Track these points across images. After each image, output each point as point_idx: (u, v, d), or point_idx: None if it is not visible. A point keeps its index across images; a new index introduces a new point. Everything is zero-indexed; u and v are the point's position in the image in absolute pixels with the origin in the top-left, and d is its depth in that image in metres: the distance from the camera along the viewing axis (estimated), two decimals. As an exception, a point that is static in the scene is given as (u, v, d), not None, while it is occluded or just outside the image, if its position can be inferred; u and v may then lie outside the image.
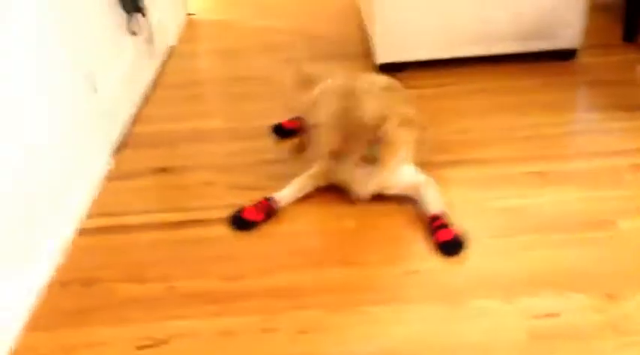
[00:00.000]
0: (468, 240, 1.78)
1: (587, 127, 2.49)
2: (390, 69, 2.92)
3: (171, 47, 3.63)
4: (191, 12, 4.28)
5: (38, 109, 1.89)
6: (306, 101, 2.25)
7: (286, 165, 2.24)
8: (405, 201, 2.01)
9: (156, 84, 3.15)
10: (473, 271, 1.73)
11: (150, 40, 2.91)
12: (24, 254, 1.73)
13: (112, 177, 2.32)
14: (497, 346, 1.48)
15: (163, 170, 2.36)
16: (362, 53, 3.31)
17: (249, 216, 1.96)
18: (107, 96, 2.45)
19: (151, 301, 1.70)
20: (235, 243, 1.92)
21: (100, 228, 2.03)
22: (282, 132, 2.50)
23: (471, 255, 1.78)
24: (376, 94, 2.00)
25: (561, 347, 1.46)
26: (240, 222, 1.96)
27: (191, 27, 4.09)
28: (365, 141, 1.89)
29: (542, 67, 2.94)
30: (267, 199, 2.01)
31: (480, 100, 2.71)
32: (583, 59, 3.01)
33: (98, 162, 2.30)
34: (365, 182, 1.99)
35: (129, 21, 2.76)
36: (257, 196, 2.03)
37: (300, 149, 2.31)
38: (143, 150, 2.52)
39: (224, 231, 1.96)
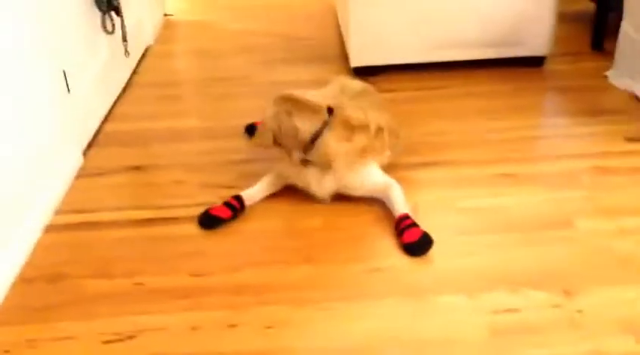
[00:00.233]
0: (433, 241, 1.81)
1: (554, 131, 2.55)
2: (365, 72, 2.97)
3: (147, 47, 3.64)
4: (168, 12, 4.29)
5: (10, 107, 1.89)
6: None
7: (258, 164, 2.26)
8: (372, 201, 2.04)
9: (131, 83, 3.15)
10: (437, 268, 1.76)
11: (125, 40, 2.91)
12: (-9, 249, 1.73)
13: (84, 174, 2.32)
14: (460, 340, 1.52)
15: (135, 168, 2.37)
16: (339, 56, 3.35)
17: (216, 212, 1.98)
18: (81, 95, 2.45)
19: (119, 296, 1.71)
20: (204, 240, 1.93)
21: (69, 225, 2.03)
22: (254, 131, 2.51)
23: (436, 253, 1.82)
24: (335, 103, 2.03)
25: (521, 341, 1.50)
26: (208, 219, 1.98)
27: (168, 27, 4.10)
28: (298, 146, 1.97)
29: (512, 72, 3.01)
30: (235, 197, 2.03)
31: (451, 104, 2.76)
32: (552, 66, 3.09)
33: (69, 159, 2.30)
34: (321, 183, 2.02)
35: (104, 20, 2.76)
36: (228, 195, 2.04)
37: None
38: (116, 148, 2.52)
39: (193, 228, 1.97)
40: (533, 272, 1.71)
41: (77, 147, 2.39)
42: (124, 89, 3.06)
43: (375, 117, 2.05)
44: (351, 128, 2.00)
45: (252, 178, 2.13)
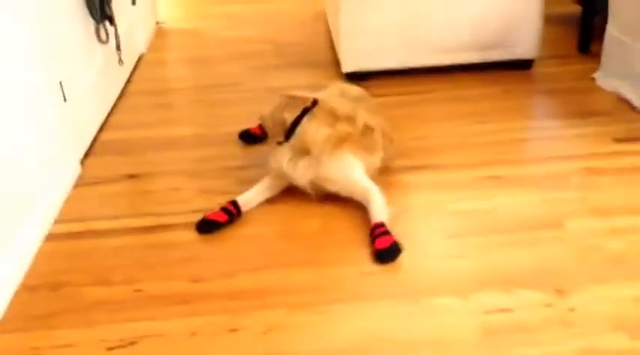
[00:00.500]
0: (402, 249, 1.83)
1: (543, 133, 2.59)
2: (356, 77, 3.01)
3: (140, 55, 3.66)
4: (160, 21, 4.31)
5: (7, 116, 1.92)
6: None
7: (253, 170, 2.29)
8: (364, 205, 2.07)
9: (126, 91, 3.18)
10: (429, 271, 1.80)
11: (119, 48, 2.94)
12: (-9, 258, 1.75)
13: (81, 183, 2.34)
14: (454, 341, 1.55)
15: (132, 176, 2.39)
16: (331, 61, 3.39)
17: (212, 217, 2.01)
18: (77, 104, 2.47)
19: (119, 303, 1.73)
20: (201, 246, 1.96)
21: (68, 234, 2.05)
22: (249, 137, 2.55)
23: (428, 255, 1.86)
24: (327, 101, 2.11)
25: (513, 340, 1.54)
26: (204, 224, 2.00)
27: (160, 35, 4.12)
28: (282, 132, 2.11)
29: (500, 76, 3.06)
30: (231, 202, 2.06)
31: (441, 108, 2.81)
32: (540, 69, 3.14)
33: (68, 169, 2.32)
34: (302, 172, 2.05)
35: (98, 29, 2.79)
36: (224, 201, 2.07)
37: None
38: (112, 156, 2.55)
39: (191, 235, 2.00)
40: (525, 272, 1.75)
41: (75, 156, 2.41)
42: (119, 98, 3.08)
43: (365, 116, 2.09)
44: (335, 117, 2.04)
45: (248, 184, 2.16)
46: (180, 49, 3.92)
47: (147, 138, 2.68)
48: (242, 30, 4.15)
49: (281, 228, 2.04)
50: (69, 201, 2.22)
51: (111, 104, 2.97)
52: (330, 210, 2.07)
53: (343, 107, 2.09)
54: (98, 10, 2.73)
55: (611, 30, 2.83)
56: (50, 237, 2.03)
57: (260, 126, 2.52)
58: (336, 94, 2.23)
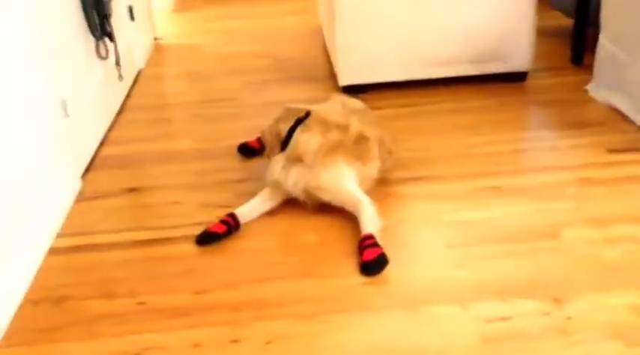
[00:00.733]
0: (388, 261, 1.84)
1: (538, 144, 2.63)
2: (353, 90, 3.04)
3: (139, 71, 3.70)
4: (158, 36, 4.36)
5: (9, 132, 1.94)
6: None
7: (253, 183, 2.31)
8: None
9: (125, 107, 3.21)
10: (429, 280, 1.82)
11: (118, 64, 2.98)
12: (-5, 273, 1.77)
13: (82, 198, 2.36)
14: (454, 349, 1.57)
15: (132, 190, 2.42)
16: (328, 75, 3.43)
17: (210, 229, 2.04)
18: (78, 119, 2.50)
19: (122, 316, 1.75)
20: (202, 259, 1.98)
21: (70, 248, 2.07)
22: (247, 150, 2.58)
23: (427, 265, 1.88)
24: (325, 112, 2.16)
25: (513, 348, 1.55)
26: (203, 236, 2.02)
27: (159, 51, 4.17)
28: (278, 144, 2.17)
29: (495, 88, 3.10)
30: (229, 214, 2.08)
31: (438, 120, 2.84)
32: (534, 81, 3.19)
33: (69, 183, 2.34)
34: (294, 180, 2.08)
35: (97, 45, 2.82)
36: (225, 214, 2.09)
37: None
38: (113, 171, 2.57)
39: (192, 248, 2.02)
40: (523, 281, 1.78)
41: (76, 171, 2.44)
42: (118, 113, 3.11)
43: (359, 125, 2.12)
44: (327, 126, 2.08)
45: (248, 197, 2.18)
46: (178, 65, 3.96)
47: (147, 153, 2.71)
48: (240, 45, 4.20)
49: (280, 240, 2.06)
50: (70, 216, 2.24)
51: (111, 119, 3.00)
52: (327, 222, 2.09)
53: (335, 116, 2.12)
54: (98, 27, 2.77)
55: (603, 42, 2.88)
56: (52, 251, 2.05)
57: (258, 140, 2.55)
58: (337, 107, 2.26)
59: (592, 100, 2.92)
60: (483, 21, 3.02)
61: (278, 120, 2.20)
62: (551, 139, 2.64)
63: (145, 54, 3.90)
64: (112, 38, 2.90)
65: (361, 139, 2.11)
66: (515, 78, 3.17)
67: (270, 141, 2.22)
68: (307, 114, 2.14)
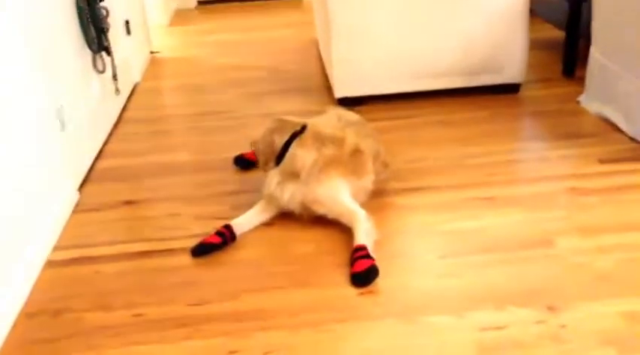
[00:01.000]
0: (378, 272, 1.85)
1: (530, 155, 2.66)
2: (349, 103, 3.08)
3: (135, 84, 3.73)
4: (155, 50, 4.39)
5: (7, 145, 1.96)
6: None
7: (250, 195, 2.33)
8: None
9: (122, 119, 3.23)
10: (424, 290, 1.84)
11: (115, 78, 3.00)
12: (-7, 286, 1.77)
13: (79, 210, 2.37)
14: (449, 358, 1.59)
15: (129, 202, 2.43)
16: (323, 87, 3.47)
17: (205, 240, 2.05)
18: (75, 133, 2.52)
19: (119, 328, 1.75)
20: (199, 270, 1.99)
21: (67, 260, 2.08)
22: (243, 162, 2.60)
23: (423, 275, 1.90)
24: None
25: (507, 357, 1.58)
26: (197, 248, 2.04)
27: (155, 64, 4.20)
28: (272, 157, 2.17)
29: (489, 100, 3.14)
30: (225, 226, 2.09)
31: (432, 131, 2.87)
32: (527, 92, 3.23)
33: (66, 196, 2.36)
34: (290, 195, 2.11)
35: (95, 59, 2.85)
36: (221, 226, 2.11)
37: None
38: (110, 183, 2.59)
39: (189, 259, 2.03)
40: (517, 290, 1.80)
41: (73, 183, 2.45)
42: (115, 125, 3.13)
43: (354, 139, 2.14)
44: (322, 141, 2.10)
45: (245, 209, 2.20)
46: (174, 78, 3.99)
47: (143, 165, 2.72)
48: (236, 58, 4.24)
49: (276, 251, 2.07)
50: (67, 228, 2.26)
51: (107, 132, 3.02)
52: (323, 233, 2.11)
53: (330, 131, 2.14)
54: (95, 41, 2.80)
55: (594, 54, 2.93)
56: (49, 264, 2.06)
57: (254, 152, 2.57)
58: (333, 119, 2.28)
59: (584, 111, 2.96)
60: (477, 34, 3.07)
61: (272, 131, 2.20)
62: (544, 150, 2.67)
63: (141, 67, 3.93)
64: (108, 52, 2.93)
65: (356, 153, 2.14)
66: (508, 90, 3.21)
67: (263, 151, 2.22)
68: (303, 127, 2.16)
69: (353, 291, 1.84)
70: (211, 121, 3.18)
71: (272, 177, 2.15)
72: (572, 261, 1.91)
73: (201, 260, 2.03)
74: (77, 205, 2.40)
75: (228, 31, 5.00)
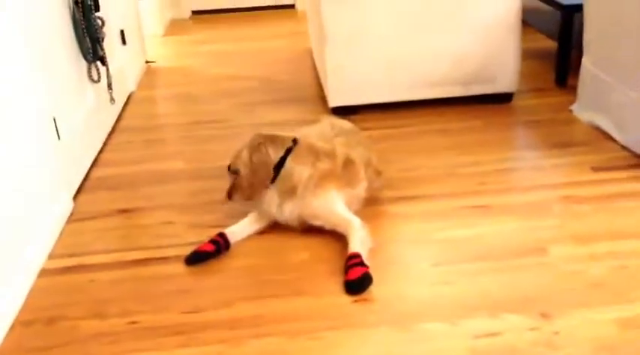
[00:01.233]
0: (372, 280, 1.86)
1: (523, 164, 2.69)
2: (343, 112, 3.09)
3: (130, 93, 3.73)
4: (149, 60, 4.40)
5: (4, 156, 1.96)
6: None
7: (245, 203, 2.34)
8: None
9: (116, 128, 3.23)
10: (418, 298, 1.84)
11: (110, 87, 3.01)
12: (-13, 294, 1.77)
13: (74, 219, 2.37)
14: (443, 365, 1.60)
15: (123, 211, 2.43)
16: (317, 96, 3.48)
17: (200, 248, 2.06)
18: (70, 142, 2.52)
19: (114, 336, 1.75)
20: (194, 278, 1.99)
21: (62, 269, 2.07)
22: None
23: (417, 283, 1.91)
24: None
25: (501, 364, 1.59)
26: (191, 256, 2.04)
27: (150, 74, 4.21)
28: (268, 175, 2.13)
29: (482, 109, 3.16)
30: (219, 234, 2.10)
31: (426, 140, 2.89)
32: (520, 102, 3.26)
33: (61, 205, 2.36)
34: (289, 214, 2.12)
35: (90, 69, 2.86)
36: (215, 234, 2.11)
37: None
38: (104, 192, 2.59)
39: (184, 267, 2.03)
40: (511, 297, 1.81)
41: (67, 192, 2.45)
42: (110, 134, 3.14)
43: (344, 150, 2.15)
44: (315, 155, 2.11)
45: (239, 218, 2.21)
46: (169, 87, 4.00)
47: (138, 174, 2.73)
48: (230, 67, 4.25)
49: (271, 259, 2.08)
50: (62, 237, 2.25)
51: (102, 141, 3.02)
52: (317, 241, 2.11)
53: (322, 144, 2.15)
54: (91, 51, 2.81)
55: (586, 64, 2.96)
56: (44, 273, 2.05)
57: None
58: (326, 128, 2.29)
59: (576, 120, 2.98)
60: (470, 44, 3.09)
61: (260, 146, 2.14)
62: (537, 158, 2.69)
63: (136, 77, 3.94)
64: (103, 62, 2.93)
65: (348, 163, 2.15)
66: (501, 99, 3.23)
67: (257, 171, 2.14)
68: (294, 142, 2.16)
69: (347, 299, 1.84)
70: (205, 130, 3.19)
71: (271, 198, 2.15)
72: (565, 269, 1.92)
73: (195, 268, 2.03)
74: (72, 214, 2.40)
75: (223, 41, 5.02)
